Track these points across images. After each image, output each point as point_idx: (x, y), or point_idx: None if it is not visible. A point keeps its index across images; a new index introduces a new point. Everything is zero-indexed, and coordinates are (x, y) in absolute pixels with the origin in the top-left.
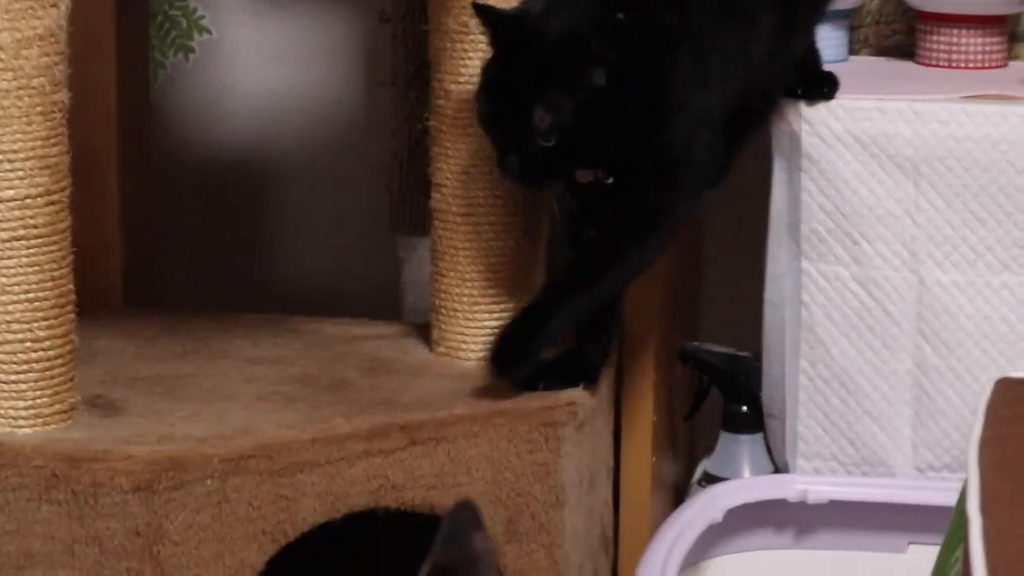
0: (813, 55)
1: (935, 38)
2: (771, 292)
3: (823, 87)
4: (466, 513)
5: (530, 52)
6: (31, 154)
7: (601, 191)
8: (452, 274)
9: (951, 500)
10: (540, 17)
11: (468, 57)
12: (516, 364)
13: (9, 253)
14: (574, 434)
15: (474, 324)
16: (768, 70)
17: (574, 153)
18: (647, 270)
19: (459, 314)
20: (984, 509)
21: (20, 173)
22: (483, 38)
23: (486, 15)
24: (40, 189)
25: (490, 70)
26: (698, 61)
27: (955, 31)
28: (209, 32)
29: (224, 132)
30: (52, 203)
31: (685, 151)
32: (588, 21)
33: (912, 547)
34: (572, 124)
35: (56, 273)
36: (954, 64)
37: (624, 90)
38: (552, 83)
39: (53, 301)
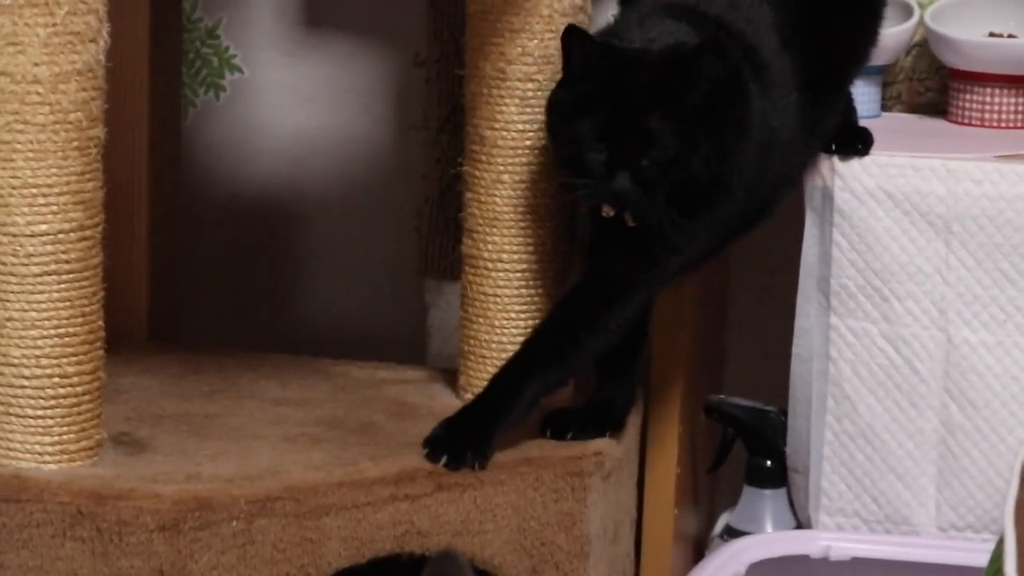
0: (848, 111)
1: (968, 96)
2: (799, 346)
3: (857, 143)
4: (450, 562)
5: (644, 73)
6: (65, 189)
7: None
8: (481, 320)
9: (975, 560)
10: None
11: (504, 103)
12: (477, 453)
13: (41, 288)
14: (600, 484)
15: None
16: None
17: (683, 168)
18: (612, 338)
19: (487, 360)
20: (1023, 572)
21: (54, 208)
22: (520, 84)
23: (579, 40)
24: (73, 224)
25: (587, 93)
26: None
27: (988, 90)
28: (241, 71)
29: (253, 171)
30: (85, 239)
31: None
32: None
33: None
34: (685, 135)
35: (87, 309)
36: (986, 123)
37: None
38: (673, 96)
39: (83, 337)
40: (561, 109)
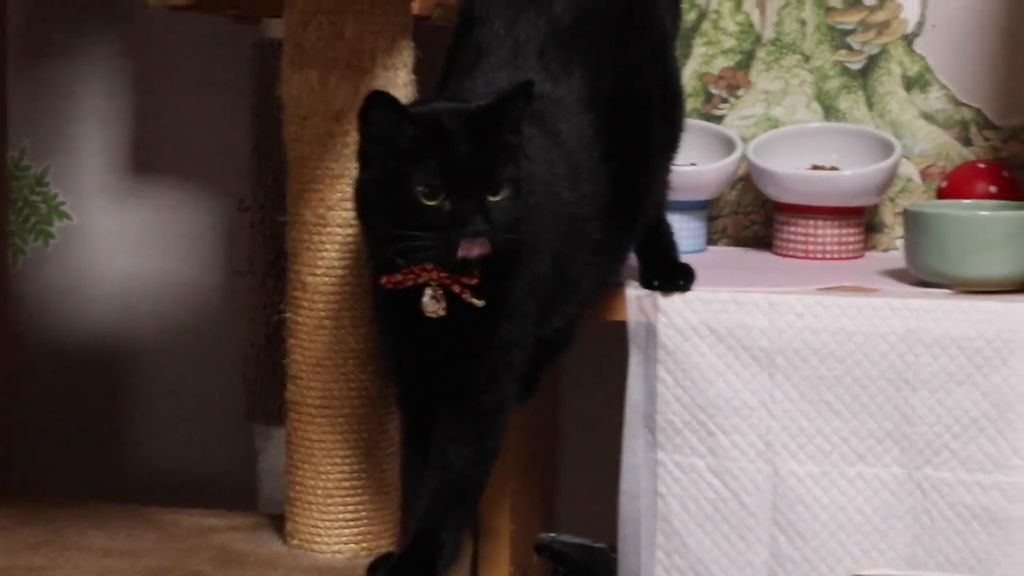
0: (670, 247)
1: (791, 229)
2: (627, 483)
3: (679, 279)
4: None
5: (460, 120)
6: None
7: (448, 334)
8: (306, 466)
9: None
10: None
11: (325, 249)
12: None
13: None
14: None
15: (328, 516)
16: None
17: (516, 203)
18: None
19: (313, 506)
20: None
21: None
22: (340, 230)
23: (387, 106)
24: None
25: (404, 155)
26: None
27: (811, 222)
28: (69, 218)
29: (83, 318)
30: None
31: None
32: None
33: None
34: (512, 171)
35: None
36: (810, 255)
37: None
38: (493, 134)
39: None
40: (379, 184)
